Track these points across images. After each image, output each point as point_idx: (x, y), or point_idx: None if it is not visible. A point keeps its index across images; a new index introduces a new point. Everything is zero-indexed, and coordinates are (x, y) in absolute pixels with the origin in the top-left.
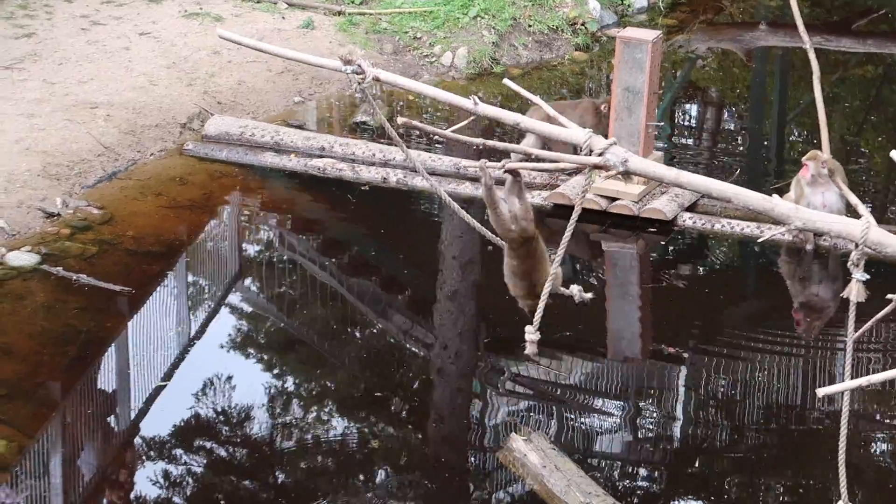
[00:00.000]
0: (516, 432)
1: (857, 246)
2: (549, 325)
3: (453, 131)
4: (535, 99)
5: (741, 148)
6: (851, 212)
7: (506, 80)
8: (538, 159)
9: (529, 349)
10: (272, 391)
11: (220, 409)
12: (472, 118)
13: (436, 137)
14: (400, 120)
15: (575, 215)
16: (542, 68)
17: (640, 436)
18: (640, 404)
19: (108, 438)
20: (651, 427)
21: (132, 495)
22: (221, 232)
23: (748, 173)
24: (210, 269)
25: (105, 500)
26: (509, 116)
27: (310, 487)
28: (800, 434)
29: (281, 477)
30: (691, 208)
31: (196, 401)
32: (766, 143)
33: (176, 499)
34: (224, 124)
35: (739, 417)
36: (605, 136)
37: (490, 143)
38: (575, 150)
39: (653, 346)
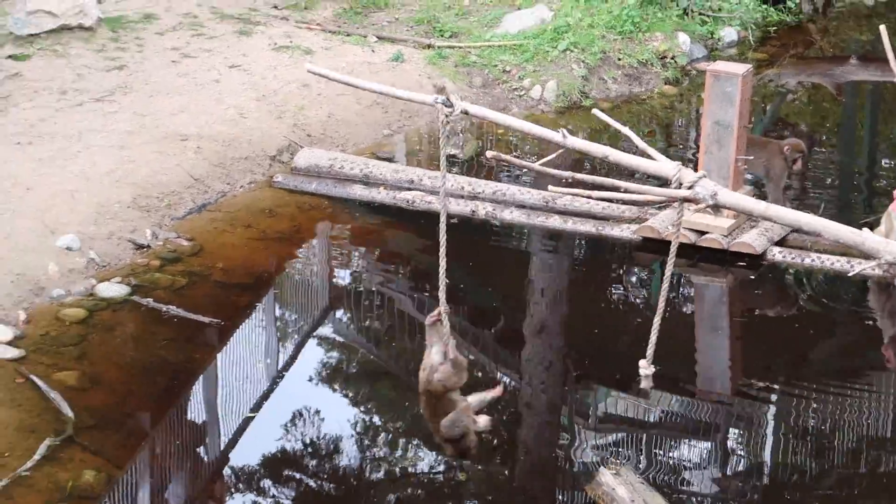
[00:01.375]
0: (605, 466)
1: None
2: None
3: (542, 164)
4: (625, 130)
5: (831, 181)
6: None
7: (595, 111)
8: (627, 192)
9: (645, 383)
10: (360, 424)
11: (308, 441)
12: (560, 150)
13: (525, 171)
14: (489, 153)
15: (673, 250)
16: (632, 102)
17: (728, 472)
18: (729, 440)
19: (196, 470)
20: (739, 463)
21: None
22: (310, 264)
23: (838, 207)
24: (299, 300)
25: None
26: (598, 149)
27: None
28: (890, 473)
29: None
30: (781, 242)
31: (284, 432)
32: (856, 176)
33: None
34: (313, 157)
35: (828, 455)
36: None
37: (579, 176)
38: (665, 183)
39: (742, 381)
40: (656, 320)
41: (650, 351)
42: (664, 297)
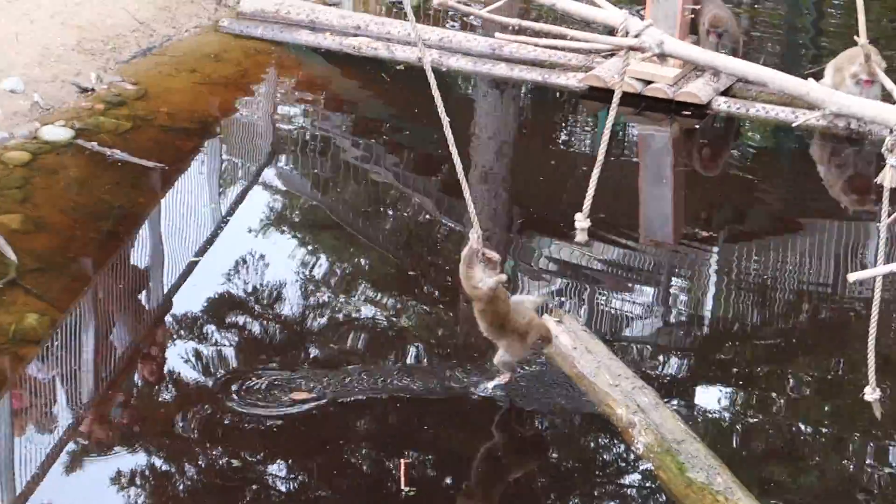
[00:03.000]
0: (548, 314)
1: (891, 131)
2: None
3: (489, 11)
4: None
5: (778, 32)
6: (886, 97)
7: None
8: (573, 40)
9: (580, 236)
10: (303, 270)
11: (251, 287)
12: None
13: (472, 19)
14: (436, 0)
15: (616, 99)
16: None
17: (670, 320)
18: (672, 288)
19: (140, 314)
20: (682, 311)
21: (163, 370)
22: (255, 109)
23: (785, 58)
24: (243, 146)
25: (136, 376)
26: None
27: (338, 362)
28: (830, 320)
29: (312, 352)
30: (726, 92)
31: (228, 278)
32: (802, 26)
33: (207, 373)
34: (259, 2)
35: (770, 302)
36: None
37: (525, 23)
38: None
39: (684, 230)
40: (595, 171)
41: (587, 203)
42: (604, 147)
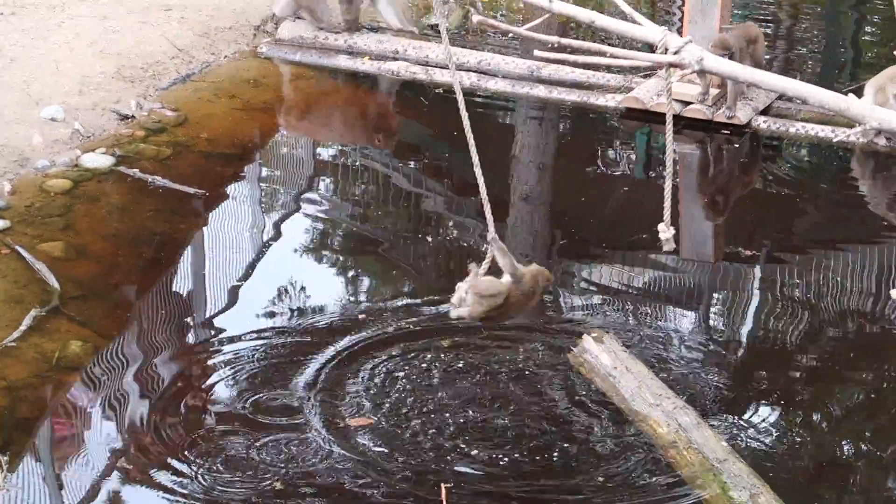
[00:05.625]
0: (588, 334)
1: None
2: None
3: (528, 29)
4: None
5: (817, 49)
6: None
7: None
8: (612, 57)
9: (667, 246)
10: (346, 293)
11: (293, 311)
12: (547, 16)
13: (511, 36)
14: (476, 18)
15: (669, 118)
16: None
17: (711, 338)
18: (713, 307)
19: (183, 340)
20: (723, 329)
21: (208, 397)
22: (295, 134)
23: (823, 76)
24: (284, 171)
25: (180, 402)
26: (584, 14)
27: (388, 387)
28: (874, 336)
29: (363, 377)
30: (765, 111)
31: (271, 303)
32: (842, 45)
33: (251, 398)
34: (298, 28)
35: (812, 320)
36: None
37: (565, 40)
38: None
39: (726, 249)
40: (668, 183)
41: (667, 214)
42: (671, 158)
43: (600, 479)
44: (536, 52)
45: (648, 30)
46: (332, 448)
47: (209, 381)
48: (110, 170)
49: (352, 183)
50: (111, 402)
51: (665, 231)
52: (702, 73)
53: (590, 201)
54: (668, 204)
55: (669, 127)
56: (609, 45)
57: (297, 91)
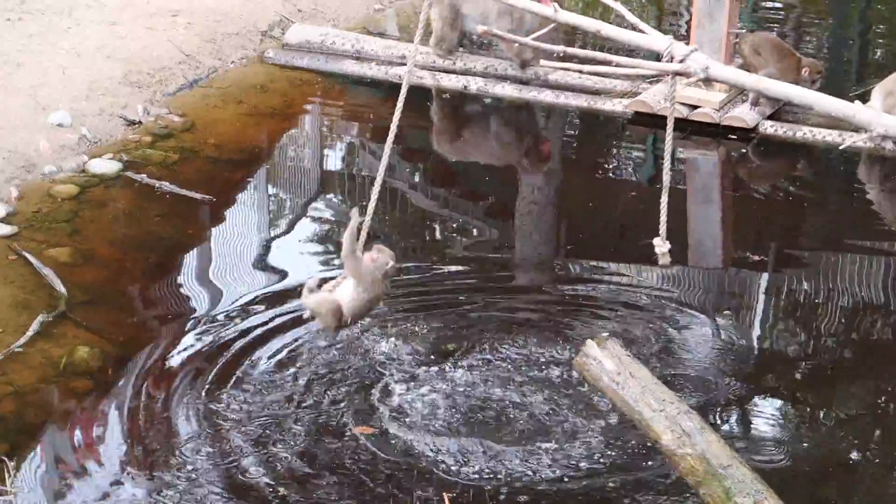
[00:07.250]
0: (593, 339)
1: None
2: (632, 231)
3: (533, 38)
4: (616, 5)
5: (824, 54)
6: None
7: None
8: (618, 66)
9: (663, 260)
10: None
11: (301, 318)
12: (552, 25)
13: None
14: (480, 28)
15: (670, 126)
16: None
17: (717, 343)
18: (719, 312)
19: (189, 344)
20: (728, 334)
21: (215, 402)
22: (302, 140)
23: (830, 81)
24: (291, 176)
25: (187, 407)
26: (590, 23)
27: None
28: (882, 342)
29: (367, 384)
30: (772, 116)
31: (279, 308)
32: (848, 49)
33: (260, 400)
34: (305, 32)
35: (819, 324)
36: None
37: (571, 50)
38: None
39: (734, 254)
40: (664, 197)
41: (663, 229)
42: (668, 172)
43: (603, 484)
44: (543, 62)
45: (653, 38)
46: (336, 455)
47: (217, 387)
48: (117, 175)
49: (359, 188)
50: (118, 407)
51: (661, 245)
52: (707, 80)
53: (597, 205)
54: (663, 218)
55: (669, 139)
56: (615, 52)
57: (303, 96)
